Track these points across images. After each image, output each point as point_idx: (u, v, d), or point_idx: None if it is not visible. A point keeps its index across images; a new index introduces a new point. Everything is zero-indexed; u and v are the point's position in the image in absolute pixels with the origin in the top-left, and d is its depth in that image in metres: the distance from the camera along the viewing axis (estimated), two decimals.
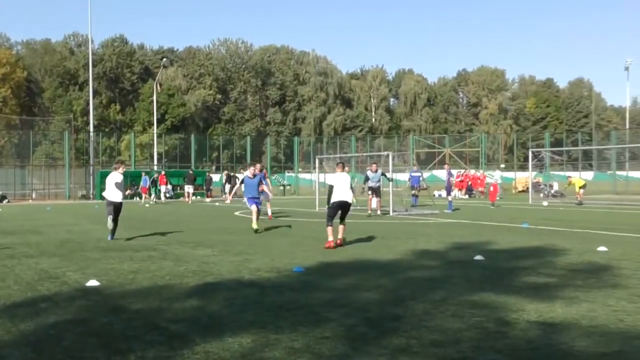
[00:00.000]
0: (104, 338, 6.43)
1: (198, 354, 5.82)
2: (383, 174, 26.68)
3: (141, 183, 42.64)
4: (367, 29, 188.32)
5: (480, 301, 8.09)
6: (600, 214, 26.30)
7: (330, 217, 14.74)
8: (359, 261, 11.98)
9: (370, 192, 26.22)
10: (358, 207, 28.69)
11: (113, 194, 16.34)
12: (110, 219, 16.25)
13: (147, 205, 37.58)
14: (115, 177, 16.53)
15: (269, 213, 24.28)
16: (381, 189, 26.85)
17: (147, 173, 44.87)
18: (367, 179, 26.55)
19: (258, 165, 22.11)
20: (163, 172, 46.67)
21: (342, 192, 14.91)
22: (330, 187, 15.75)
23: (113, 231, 16.50)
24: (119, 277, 10.37)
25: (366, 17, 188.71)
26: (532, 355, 5.71)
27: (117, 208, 16.14)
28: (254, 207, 18.78)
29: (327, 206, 15.81)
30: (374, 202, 26.46)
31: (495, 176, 47.62)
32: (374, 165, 27.24)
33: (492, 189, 34.94)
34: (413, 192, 34.12)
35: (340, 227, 14.79)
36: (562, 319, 7.13)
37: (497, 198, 35.82)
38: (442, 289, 8.94)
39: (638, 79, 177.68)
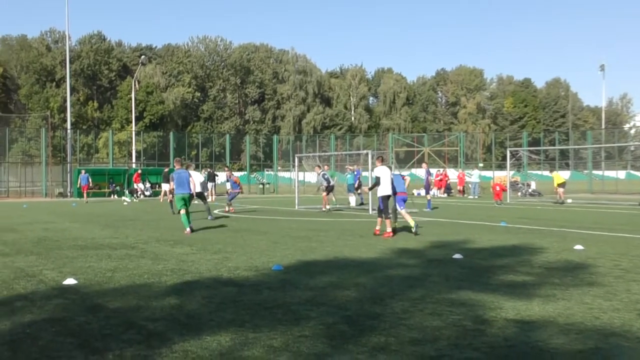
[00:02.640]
0: (81, 337, 6.34)
1: (176, 352, 5.77)
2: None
3: (80, 181, 40.51)
4: (346, 28, 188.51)
5: (459, 299, 8.09)
6: (577, 213, 26.54)
7: (384, 208, 16.20)
8: (338, 259, 11.93)
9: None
10: (338, 205, 28.72)
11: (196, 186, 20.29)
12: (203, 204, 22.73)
13: (125, 203, 37.21)
14: (196, 175, 21.36)
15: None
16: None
17: (86, 171, 43.63)
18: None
19: None
20: (139, 170, 46.02)
21: (389, 185, 16.46)
22: (377, 179, 16.64)
23: (208, 211, 22.63)
24: (97, 275, 10.23)
25: (346, 16, 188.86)
26: (509, 353, 5.73)
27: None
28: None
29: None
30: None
31: (473, 175, 47.77)
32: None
33: (497, 188, 34.64)
34: (359, 191, 30.81)
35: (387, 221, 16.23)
36: (539, 316, 7.16)
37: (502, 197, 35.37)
38: (420, 287, 8.92)
39: (613, 80, 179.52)
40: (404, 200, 17.51)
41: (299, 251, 13.20)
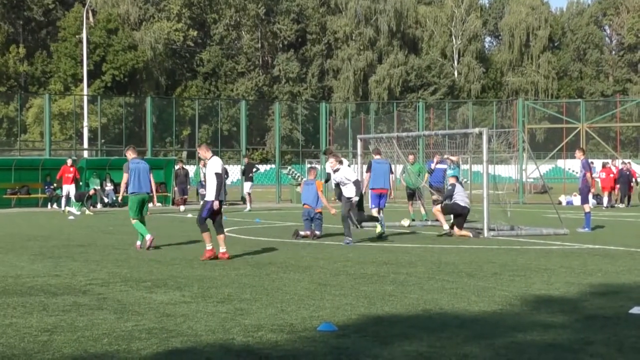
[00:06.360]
0: None
1: None
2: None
3: None
4: None
5: None
6: None
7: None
8: (430, 314, 8.99)
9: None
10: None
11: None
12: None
13: (71, 217, 29.78)
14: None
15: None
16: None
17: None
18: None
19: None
20: (69, 162, 30.91)
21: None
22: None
23: None
24: (23, 340, 7.59)
25: None
26: None
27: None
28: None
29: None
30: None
31: None
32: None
33: None
34: (434, 197, 21.91)
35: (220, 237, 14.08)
36: None
37: None
38: None
39: None
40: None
41: (364, 300, 9.98)
